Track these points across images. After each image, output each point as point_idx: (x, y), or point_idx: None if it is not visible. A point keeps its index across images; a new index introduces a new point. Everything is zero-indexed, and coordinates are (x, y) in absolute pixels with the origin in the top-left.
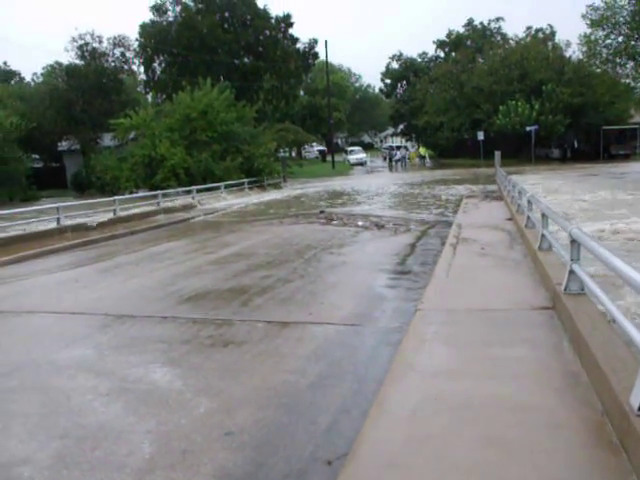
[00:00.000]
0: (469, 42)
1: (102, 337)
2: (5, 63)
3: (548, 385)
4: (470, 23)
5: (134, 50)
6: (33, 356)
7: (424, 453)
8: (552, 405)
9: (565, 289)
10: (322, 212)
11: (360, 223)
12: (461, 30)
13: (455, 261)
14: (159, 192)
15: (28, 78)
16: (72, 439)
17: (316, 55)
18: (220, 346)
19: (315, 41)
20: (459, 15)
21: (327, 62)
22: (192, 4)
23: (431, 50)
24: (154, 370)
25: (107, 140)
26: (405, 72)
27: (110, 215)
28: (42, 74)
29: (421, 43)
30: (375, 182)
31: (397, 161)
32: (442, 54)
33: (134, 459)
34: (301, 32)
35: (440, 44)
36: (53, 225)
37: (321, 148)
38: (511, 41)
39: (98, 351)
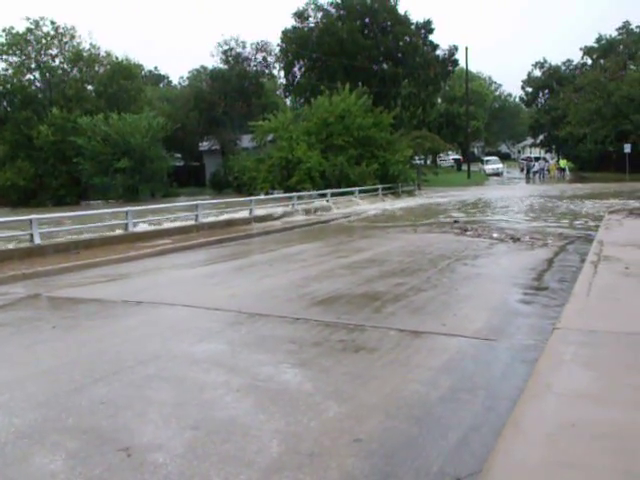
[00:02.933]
0: (621, 47)
1: (235, 334)
2: (155, 68)
3: None
4: (626, 26)
5: (275, 55)
6: (169, 347)
7: None
8: None
9: None
10: (456, 222)
11: (495, 235)
12: (614, 34)
13: (596, 280)
14: (294, 194)
15: (175, 81)
16: (203, 431)
17: (456, 62)
18: (351, 351)
19: (455, 48)
20: (608, 21)
21: (467, 69)
22: (333, 10)
23: (577, 57)
24: (284, 370)
25: (246, 142)
26: (548, 80)
27: (245, 214)
28: (188, 78)
29: (566, 50)
30: (511, 193)
31: (535, 173)
32: (589, 61)
33: (262, 457)
34: (441, 39)
35: (588, 50)
36: (191, 222)
37: (457, 157)
38: None
39: (231, 347)
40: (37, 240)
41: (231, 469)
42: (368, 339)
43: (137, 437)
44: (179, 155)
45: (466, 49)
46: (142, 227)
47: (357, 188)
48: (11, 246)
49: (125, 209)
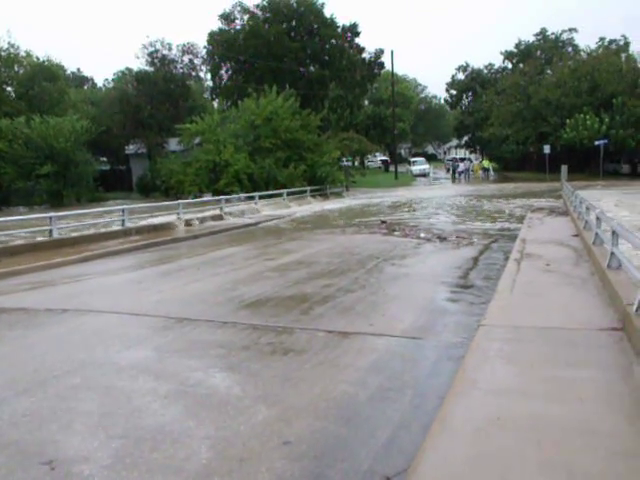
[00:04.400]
0: (539, 53)
1: (162, 339)
2: (78, 69)
3: (619, 410)
4: (543, 33)
5: (202, 57)
6: (96, 355)
7: (487, 475)
8: (624, 432)
9: (637, 310)
10: (384, 222)
11: (422, 235)
12: (531, 40)
13: (519, 277)
14: (222, 197)
15: (100, 84)
16: (131, 440)
17: (382, 65)
18: (280, 354)
19: (381, 51)
20: (528, 27)
21: (393, 72)
22: (260, 13)
23: (498, 61)
24: (213, 375)
25: (173, 145)
26: (471, 83)
27: (173, 218)
28: (113, 80)
29: (488, 54)
30: (438, 194)
31: (460, 173)
32: (510, 65)
33: (192, 464)
34: (367, 42)
35: (508, 55)
36: (118, 227)
37: (384, 158)
38: (582, 52)
39: (159, 353)
40: None
41: (160, 478)
42: (297, 341)
43: (62, 449)
44: (105, 159)
45: (392, 52)
46: (67, 233)
47: (285, 190)
48: None
49: (49, 215)
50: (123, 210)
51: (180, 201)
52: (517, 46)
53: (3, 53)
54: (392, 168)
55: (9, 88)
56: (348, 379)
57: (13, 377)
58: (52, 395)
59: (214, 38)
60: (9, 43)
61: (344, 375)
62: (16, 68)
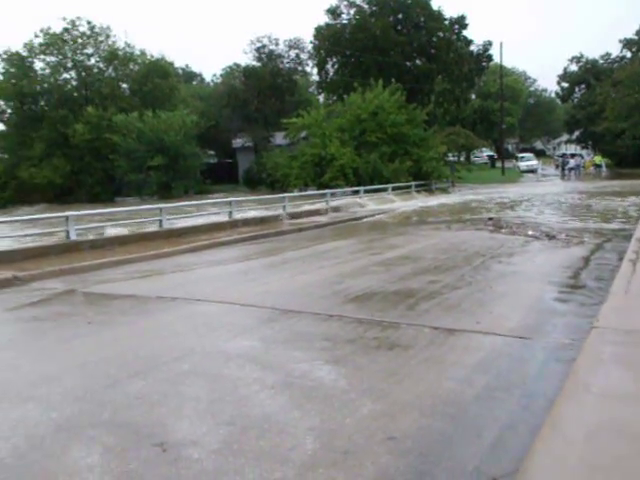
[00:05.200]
0: None
1: (269, 330)
2: (187, 66)
3: None
4: None
5: (308, 52)
6: (204, 343)
7: None
8: None
9: None
10: (491, 219)
11: (530, 232)
12: None
13: (635, 278)
14: (327, 191)
15: (208, 79)
16: (238, 427)
17: (490, 57)
18: (385, 349)
19: (489, 43)
20: None
21: (501, 64)
22: (366, 7)
23: (616, 50)
24: (319, 367)
25: (279, 139)
26: (585, 75)
27: (278, 211)
28: (221, 75)
29: (604, 43)
30: (547, 190)
31: (570, 169)
32: (629, 54)
33: (297, 454)
34: (475, 34)
35: (627, 43)
36: (225, 218)
37: (490, 153)
38: None
39: (265, 344)
40: (73, 236)
41: (266, 466)
42: (402, 336)
43: (172, 432)
44: (212, 152)
45: (500, 44)
46: (176, 223)
47: (390, 185)
48: (48, 242)
49: (159, 206)
50: (230, 202)
51: (285, 194)
52: (638, 33)
53: (120, 52)
54: (499, 164)
55: (124, 85)
56: (454, 376)
57: (126, 360)
58: (162, 380)
59: (321, 33)
60: (125, 43)
61: (450, 372)
62: (131, 66)
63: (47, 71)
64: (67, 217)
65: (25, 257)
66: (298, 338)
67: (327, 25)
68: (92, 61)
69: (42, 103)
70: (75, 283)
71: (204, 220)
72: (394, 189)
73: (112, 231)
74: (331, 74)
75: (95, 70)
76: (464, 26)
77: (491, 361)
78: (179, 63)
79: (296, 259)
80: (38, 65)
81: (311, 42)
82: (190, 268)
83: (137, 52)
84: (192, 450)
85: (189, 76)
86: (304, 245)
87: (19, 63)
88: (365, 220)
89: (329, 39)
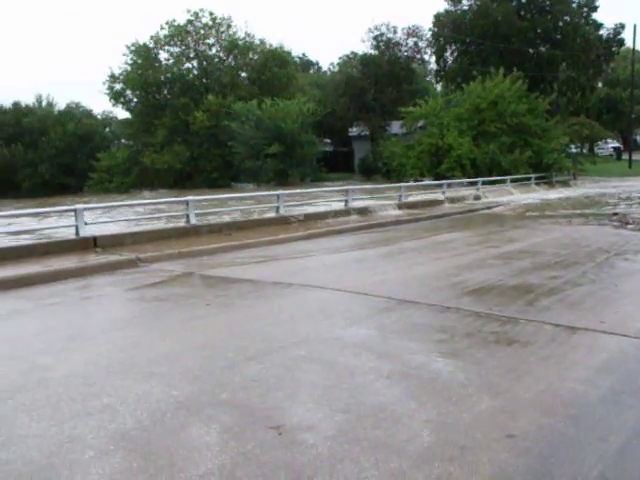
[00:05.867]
0: None
1: (385, 320)
2: (304, 54)
3: None
4: None
5: (427, 40)
6: (320, 330)
7: None
8: None
9: None
10: (616, 214)
11: None
12: None
13: None
14: (444, 182)
15: (324, 68)
16: (354, 415)
17: (621, 42)
18: (504, 344)
19: (621, 26)
20: None
21: (634, 49)
22: None
23: None
24: (435, 359)
25: (395, 128)
26: None
27: (394, 200)
28: (338, 64)
29: None
30: None
31: None
32: None
33: (413, 445)
34: (605, 17)
35: None
36: (341, 206)
37: (617, 145)
38: None
39: (381, 333)
40: (193, 221)
41: (381, 455)
42: (521, 332)
43: (288, 416)
44: (328, 140)
45: (634, 26)
46: (292, 210)
47: (509, 177)
48: (169, 226)
49: (276, 192)
50: (347, 191)
51: (401, 184)
52: None
53: (240, 42)
54: (626, 156)
55: (243, 74)
56: (576, 377)
57: (243, 343)
58: (278, 364)
59: (440, 20)
60: (246, 33)
61: (572, 372)
62: (250, 55)
63: (171, 61)
64: (187, 202)
65: (147, 240)
66: (414, 329)
67: (447, 12)
68: (213, 51)
69: (165, 92)
70: (193, 266)
71: (320, 208)
72: (512, 181)
73: (229, 216)
74: (450, 62)
75: (216, 59)
76: (594, 9)
77: (617, 363)
78: (296, 52)
79: (412, 249)
80: (163, 56)
81: (430, 30)
82: (306, 255)
83: (256, 41)
84: (307, 435)
85: (306, 65)
86: (420, 235)
87: (145, 54)
88: (482, 212)
89: (448, 26)
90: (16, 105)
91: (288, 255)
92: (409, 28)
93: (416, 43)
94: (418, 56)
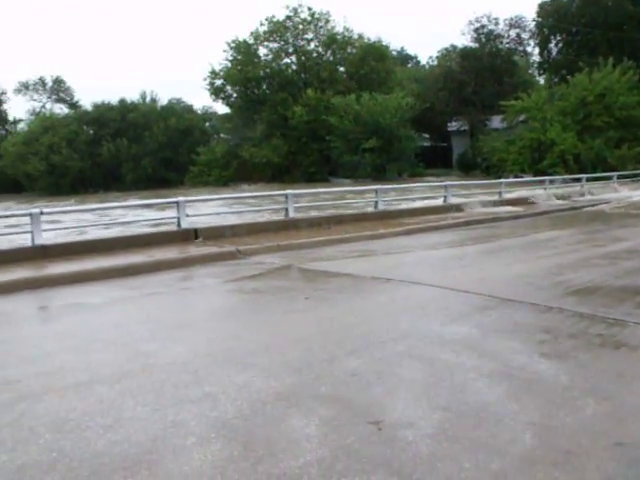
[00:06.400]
0: None
1: (485, 318)
2: (402, 48)
3: None
4: None
5: (530, 31)
6: (419, 326)
7: None
8: None
9: None
10: None
11: None
12: None
13: None
14: (546, 178)
15: (423, 61)
16: (453, 413)
17: None
18: (611, 347)
19: None
20: None
21: None
22: None
23: None
24: (538, 360)
25: (496, 122)
26: None
27: (494, 197)
28: (437, 57)
29: None
30: None
31: None
32: None
33: (515, 448)
34: None
35: None
36: (440, 202)
37: None
38: None
39: (481, 331)
40: (292, 214)
41: (482, 456)
42: (630, 336)
43: (387, 412)
44: (427, 135)
45: None
46: (390, 205)
47: (615, 173)
48: (268, 219)
49: (375, 187)
50: (446, 186)
51: (502, 180)
52: None
53: (338, 37)
54: None
55: (342, 68)
56: None
57: (342, 337)
58: (378, 359)
59: (544, 9)
60: (344, 27)
61: None
62: (349, 50)
63: (270, 57)
64: (286, 195)
65: (247, 232)
66: (516, 328)
67: (552, 0)
68: (311, 46)
69: (264, 87)
70: (292, 259)
71: (418, 203)
72: (620, 177)
73: (328, 210)
74: (554, 53)
75: (314, 54)
76: None
77: None
78: (395, 46)
79: (513, 247)
80: (262, 52)
81: (533, 20)
82: (404, 250)
83: (355, 36)
84: (407, 432)
85: (404, 59)
86: (521, 233)
87: (245, 50)
88: (586, 209)
89: (553, 15)
90: (122, 101)
91: (387, 250)
92: (511, 19)
93: (518, 34)
94: (520, 48)
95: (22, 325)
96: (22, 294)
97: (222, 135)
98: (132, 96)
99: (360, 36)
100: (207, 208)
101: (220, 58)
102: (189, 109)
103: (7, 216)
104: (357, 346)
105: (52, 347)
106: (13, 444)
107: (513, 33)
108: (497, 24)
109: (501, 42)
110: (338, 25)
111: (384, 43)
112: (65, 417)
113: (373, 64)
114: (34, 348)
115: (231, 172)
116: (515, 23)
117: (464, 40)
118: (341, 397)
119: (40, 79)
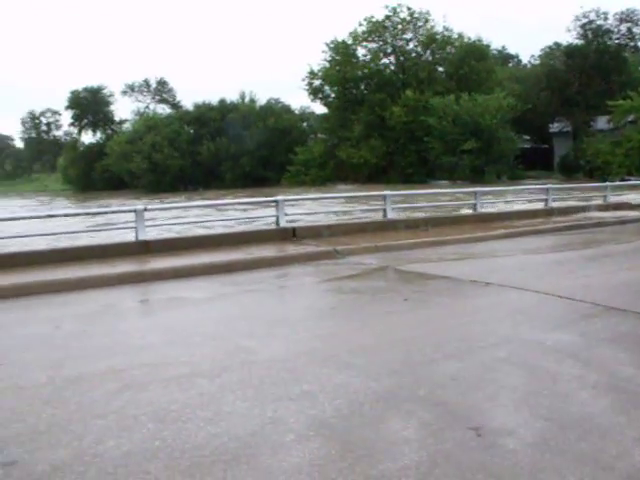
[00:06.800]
0: None
1: (589, 326)
2: (503, 47)
3: None
4: None
5: None
6: (520, 332)
7: None
8: None
9: None
10: None
11: None
12: None
13: None
14: None
15: (524, 60)
16: (556, 423)
17: None
18: None
19: None
20: None
21: None
22: None
23: None
24: None
25: (601, 123)
26: None
27: (598, 201)
28: (539, 56)
29: None
30: None
31: None
32: None
33: (623, 463)
34: None
35: None
36: (540, 206)
37: None
38: None
39: (585, 340)
40: (390, 215)
41: (587, 470)
42: None
43: (487, 419)
44: (527, 137)
45: None
46: (489, 208)
47: None
48: (366, 219)
49: (474, 189)
50: (547, 189)
51: (607, 183)
52: None
53: (438, 36)
54: None
55: (440, 68)
56: None
57: (441, 341)
58: (478, 364)
59: None
60: (444, 27)
61: None
62: (448, 49)
63: (368, 57)
64: (384, 196)
65: (344, 232)
66: (622, 338)
67: None
68: (410, 46)
69: (362, 87)
70: (389, 260)
71: (518, 206)
72: None
73: (424, 213)
74: None
75: (413, 54)
76: None
77: None
78: (495, 45)
79: (618, 253)
80: (360, 52)
81: None
82: (504, 254)
83: (454, 35)
84: (508, 440)
85: (505, 58)
86: (628, 239)
87: (344, 51)
88: None
89: None
90: (222, 102)
91: (486, 253)
92: (622, 13)
93: (629, 29)
94: (632, 43)
95: (126, 317)
96: (126, 287)
97: (319, 135)
98: (230, 96)
99: (460, 35)
100: (304, 207)
101: (318, 59)
102: (287, 109)
103: (114, 212)
104: (456, 350)
105: (155, 339)
106: (118, 431)
107: (624, 28)
108: (606, 19)
109: (610, 38)
110: (437, 24)
111: (485, 42)
112: (167, 408)
113: (473, 64)
114: (138, 340)
115: (328, 172)
116: (626, 17)
117: (569, 37)
118: (440, 401)
119: (145, 81)
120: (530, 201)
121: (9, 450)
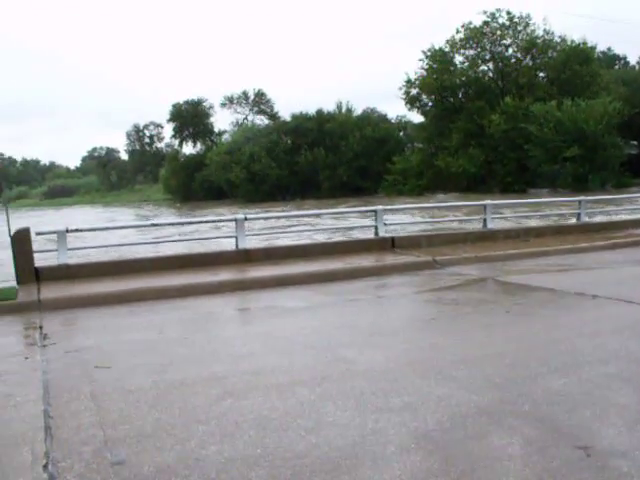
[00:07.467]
0: None
1: None
2: (609, 49)
3: None
4: None
5: None
6: (630, 348)
7: None
8: None
9: None
10: None
11: None
12: None
13: None
14: None
15: (632, 61)
16: None
17: None
18: None
19: None
20: None
21: None
22: None
23: None
24: None
25: None
26: None
27: None
28: None
29: None
30: None
31: None
32: None
33: None
34: None
35: None
36: None
37: None
38: None
39: None
40: (490, 225)
41: None
42: None
43: (597, 438)
44: (634, 142)
45: None
46: (594, 218)
47: None
48: (465, 229)
49: (578, 198)
50: None
51: None
52: None
53: (538, 41)
54: None
55: (541, 74)
56: None
57: (545, 355)
58: (585, 380)
59: None
60: (544, 30)
61: None
62: (549, 54)
63: (465, 64)
64: (485, 206)
65: (442, 242)
66: None
67: None
68: (509, 51)
69: (460, 95)
70: (490, 271)
71: (625, 216)
72: None
73: (528, 222)
74: None
75: (512, 60)
76: None
77: None
78: (601, 46)
79: None
80: (458, 59)
81: None
82: (610, 266)
83: (556, 39)
84: (621, 462)
85: (611, 60)
86: None
87: (441, 58)
88: None
89: None
90: (319, 112)
91: (590, 265)
92: None
93: None
94: None
95: (227, 325)
96: (226, 295)
97: (417, 144)
98: (327, 106)
99: (562, 39)
100: (403, 217)
101: (415, 67)
102: (384, 118)
103: (214, 221)
104: (561, 364)
105: (255, 348)
106: (221, 437)
107: None
108: None
109: None
110: (538, 28)
111: (589, 44)
112: (268, 416)
113: (576, 68)
114: (238, 347)
115: (426, 181)
116: None
117: None
118: (545, 417)
119: (243, 93)
120: (638, 210)
121: (118, 450)
